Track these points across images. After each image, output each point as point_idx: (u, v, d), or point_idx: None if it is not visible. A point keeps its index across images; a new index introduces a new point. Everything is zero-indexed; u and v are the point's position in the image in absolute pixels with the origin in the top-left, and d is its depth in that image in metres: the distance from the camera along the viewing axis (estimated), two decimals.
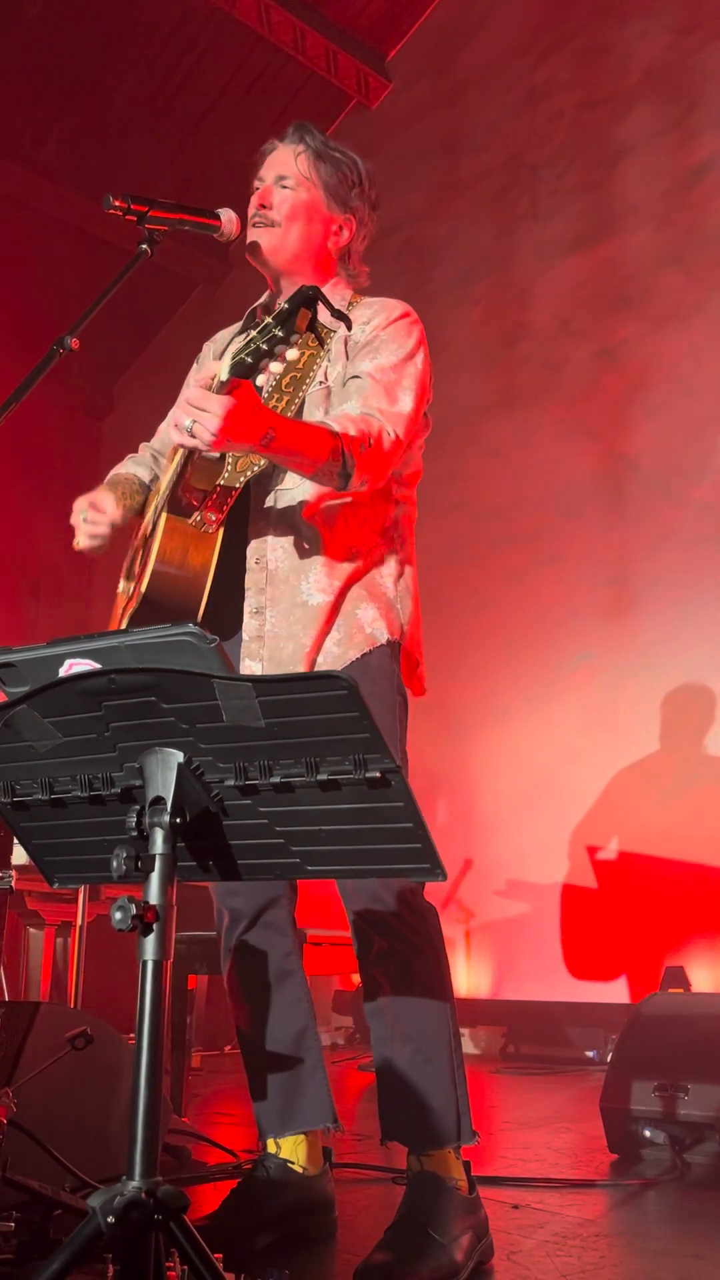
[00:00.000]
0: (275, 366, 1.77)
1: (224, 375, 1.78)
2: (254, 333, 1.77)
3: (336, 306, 2.19)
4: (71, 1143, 2.10)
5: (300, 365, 2.16)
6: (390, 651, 2.12)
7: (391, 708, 2.10)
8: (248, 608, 2.09)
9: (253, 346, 1.77)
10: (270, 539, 2.10)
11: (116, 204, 2.06)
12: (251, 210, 2.22)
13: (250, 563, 2.10)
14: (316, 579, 2.06)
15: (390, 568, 2.16)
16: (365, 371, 2.09)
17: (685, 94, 6.09)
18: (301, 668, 2.04)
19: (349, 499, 2.10)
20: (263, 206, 2.20)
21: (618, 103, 6.40)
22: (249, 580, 2.10)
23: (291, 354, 1.75)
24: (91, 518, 2.22)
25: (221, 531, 2.03)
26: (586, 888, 5.70)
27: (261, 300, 2.33)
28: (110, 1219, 1.16)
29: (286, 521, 2.10)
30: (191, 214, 2.14)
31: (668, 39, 6.21)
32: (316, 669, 2.03)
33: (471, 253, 6.94)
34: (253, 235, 2.20)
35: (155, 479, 2.40)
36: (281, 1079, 2.13)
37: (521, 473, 6.40)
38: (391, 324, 2.15)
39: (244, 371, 1.77)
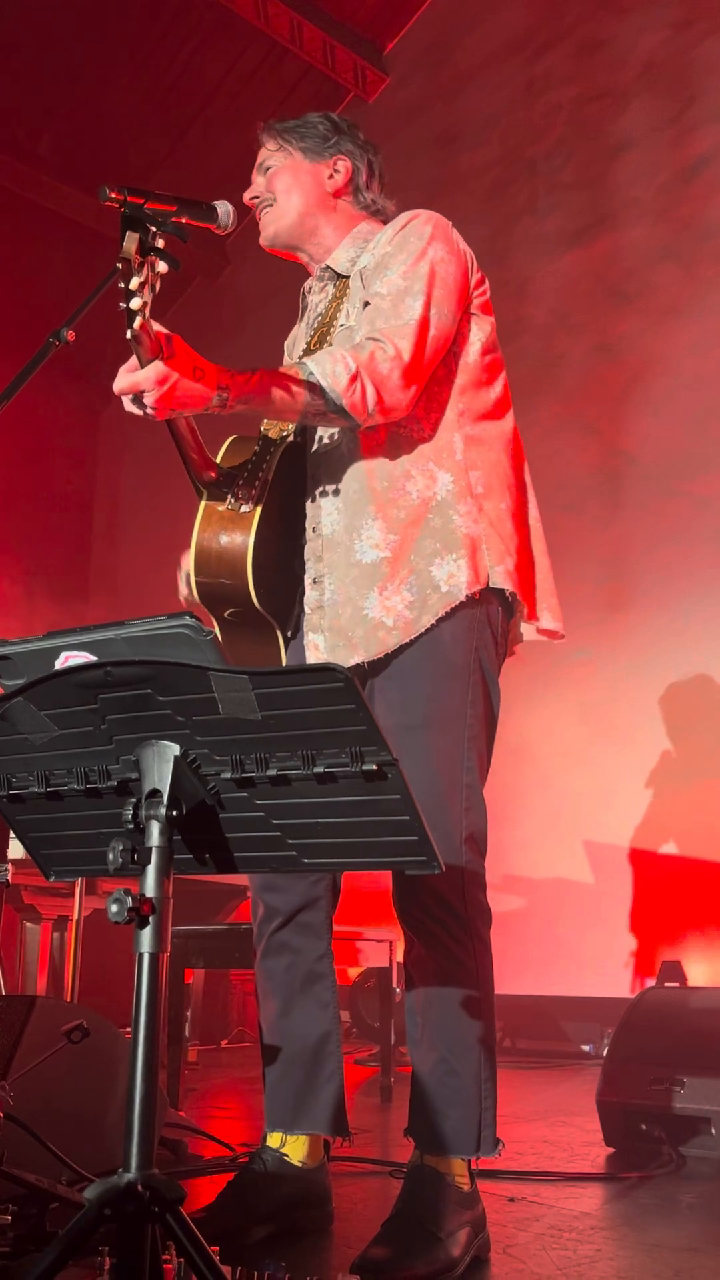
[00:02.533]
0: (135, 302, 1.61)
1: (128, 334, 1.68)
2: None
3: (350, 257, 2.14)
4: (68, 1136, 2.09)
5: (328, 317, 2.14)
6: (474, 610, 1.97)
7: (466, 689, 1.97)
8: (308, 578, 2.03)
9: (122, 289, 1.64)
10: (323, 503, 2.03)
11: (113, 195, 2.04)
12: (250, 207, 2.22)
13: (308, 532, 2.04)
14: (369, 534, 1.96)
15: (467, 504, 1.98)
16: (375, 293, 2.02)
17: (684, 88, 6.08)
18: (361, 631, 1.94)
19: (400, 433, 1.99)
20: (255, 197, 2.22)
21: (616, 97, 6.39)
22: (308, 550, 2.04)
23: (133, 282, 1.60)
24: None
25: (259, 510, 1.96)
26: (584, 882, 5.70)
27: (307, 283, 2.32)
28: (106, 1211, 1.16)
29: (335, 477, 2.02)
30: (188, 206, 2.13)
31: (666, 33, 6.20)
32: (389, 633, 1.94)
33: (469, 247, 6.92)
34: (261, 226, 2.20)
35: None
36: (298, 1078, 2.10)
37: None
38: (399, 231, 2.09)
39: (130, 319, 1.65)
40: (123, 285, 1.60)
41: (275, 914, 2.14)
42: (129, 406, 1.76)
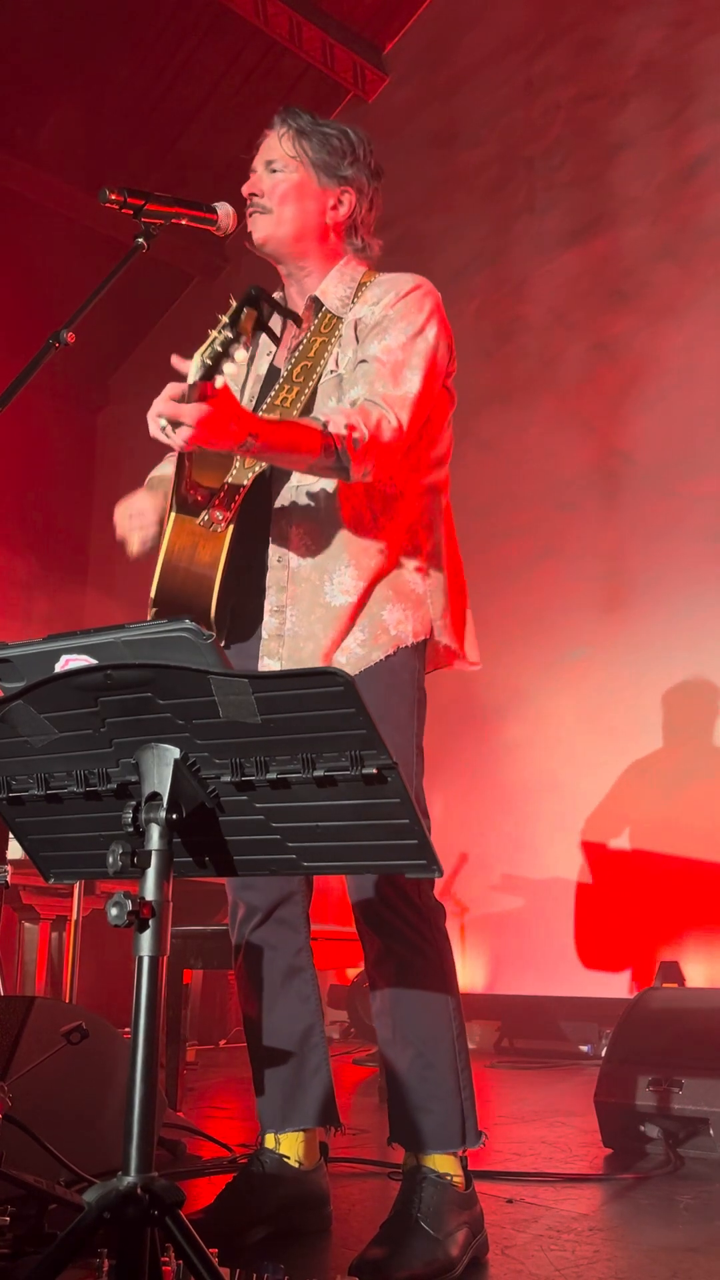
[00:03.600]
0: (229, 368, 1.73)
1: (192, 378, 1.75)
2: (213, 333, 1.75)
3: (342, 296, 2.18)
4: (66, 1137, 2.09)
5: (311, 354, 2.14)
6: (416, 651, 2.10)
7: (411, 704, 2.07)
8: (268, 605, 2.06)
9: (210, 351, 1.75)
10: (292, 536, 2.06)
11: (113, 197, 2.05)
12: (246, 199, 2.21)
13: (272, 560, 2.07)
14: (340, 581, 2.03)
15: (417, 562, 2.11)
16: (373, 355, 2.04)
17: (682, 87, 6.08)
18: (319, 666, 2.01)
19: (374, 489, 2.06)
20: (253, 194, 2.18)
21: (614, 96, 6.39)
22: (270, 578, 2.07)
23: (240, 355, 1.72)
24: (137, 524, 2.19)
25: (231, 529, 2.00)
26: (582, 882, 5.71)
27: (279, 295, 2.32)
28: (105, 1213, 1.16)
29: (308, 518, 2.07)
30: (188, 207, 2.13)
31: (665, 32, 6.20)
32: (343, 669, 2.01)
33: (467, 246, 6.93)
34: (250, 225, 2.19)
35: None
36: (285, 1075, 2.12)
37: (516, 467, 6.40)
38: (401, 299, 2.10)
39: (206, 375, 1.74)
40: (219, 349, 1.71)
41: (254, 911, 2.16)
42: (155, 430, 1.79)
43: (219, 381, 1.72)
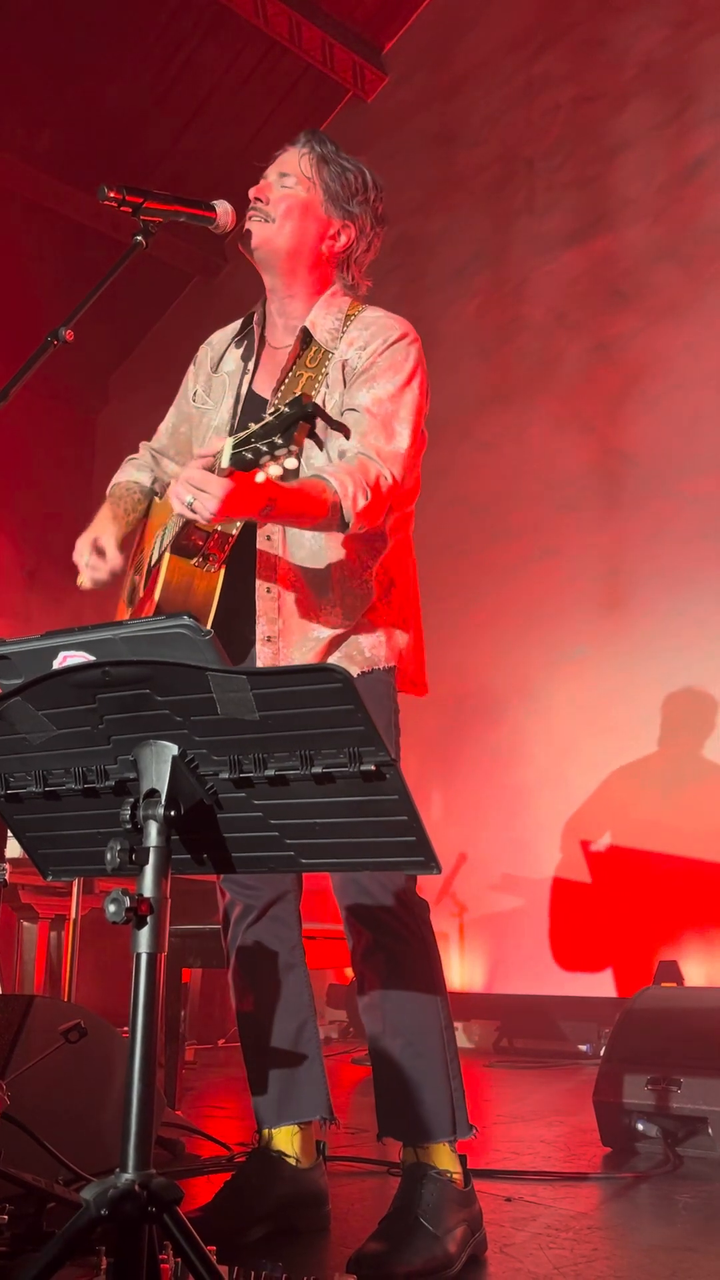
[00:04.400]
0: (274, 470, 1.74)
1: (224, 463, 1.77)
2: (255, 426, 1.75)
3: (331, 329, 2.18)
4: (65, 1136, 2.10)
5: (298, 389, 2.14)
6: (387, 672, 2.16)
7: (388, 715, 2.13)
8: (260, 633, 2.10)
9: (253, 444, 1.75)
10: (279, 570, 2.10)
11: (111, 194, 2.05)
12: (250, 200, 2.20)
13: (261, 591, 2.10)
14: (329, 617, 2.09)
15: (391, 596, 2.19)
16: (362, 406, 2.07)
17: (682, 88, 6.08)
18: None
19: (362, 534, 2.10)
20: (259, 199, 2.18)
21: (614, 97, 6.39)
22: (261, 607, 2.10)
23: (290, 463, 1.74)
24: (93, 563, 2.21)
25: (224, 570, 2.05)
26: (580, 882, 5.71)
27: (255, 311, 2.31)
28: (104, 1211, 1.16)
29: (296, 552, 2.11)
30: (187, 206, 2.13)
31: (665, 33, 6.20)
32: None
33: (467, 246, 6.93)
34: (247, 225, 2.18)
35: (156, 481, 2.39)
36: (279, 1071, 2.14)
37: (516, 467, 6.40)
38: (389, 348, 2.12)
39: (244, 466, 1.76)
40: (264, 448, 1.72)
41: (249, 910, 2.18)
42: (178, 507, 1.81)
43: (260, 477, 1.74)
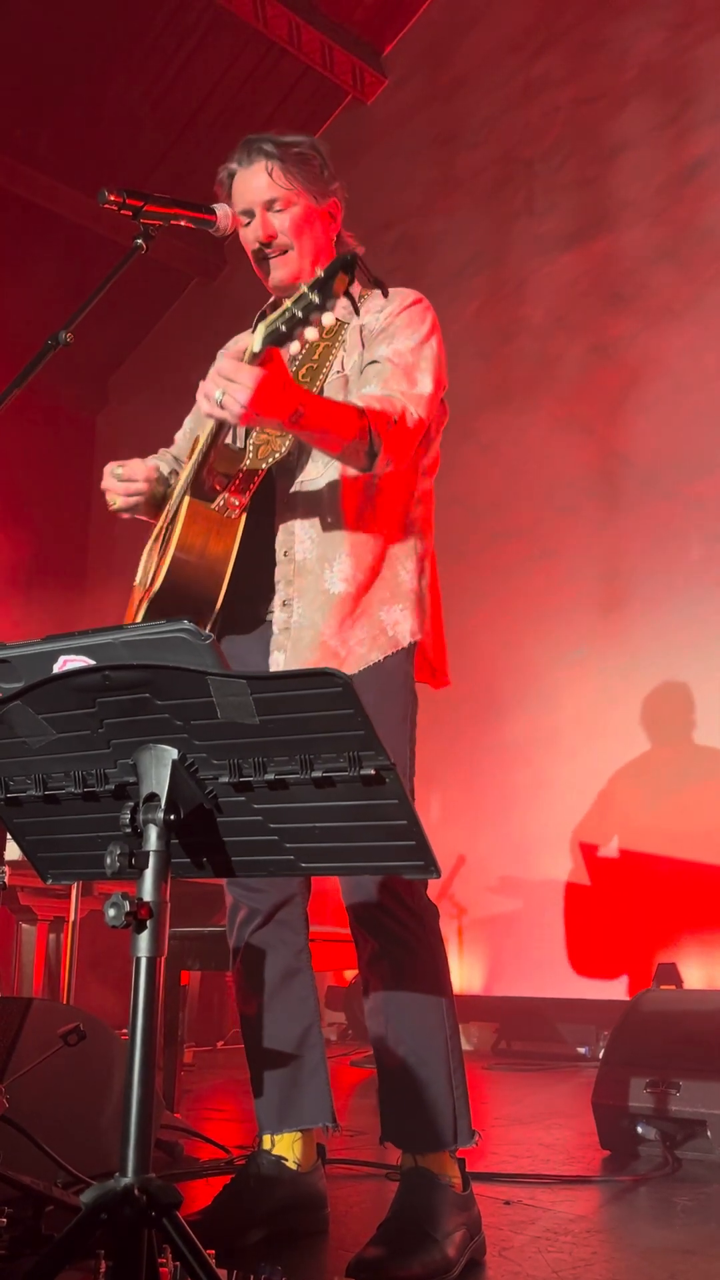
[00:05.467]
0: (310, 333, 1.76)
1: (256, 346, 1.77)
2: (288, 302, 1.77)
3: (345, 303, 2.18)
4: (64, 1138, 2.09)
5: (316, 356, 2.16)
6: (408, 654, 2.14)
7: (404, 707, 2.11)
8: (277, 600, 2.10)
9: (288, 314, 1.76)
10: (297, 530, 2.10)
11: (112, 198, 2.06)
12: (253, 246, 2.18)
13: (279, 555, 2.11)
14: (340, 568, 2.06)
15: (412, 564, 2.16)
16: (383, 356, 2.09)
17: (681, 89, 6.08)
18: (317, 655, 2.03)
19: (374, 487, 2.10)
20: (269, 239, 2.16)
21: (614, 98, 6.39)
22: (279, 573, 2.10)
23: (327, 318, 1.74)
24: (127, 475, 2.20)
25: (244, 518, 2.02)
26: (580, 884, 5.71)
27: (270, 303, 2.32)
28: (103, 1215, 1.16)
29: (312, 511, 2.10)
30: (187, 209, 2.13)
31: (664, 34, 6.21)
32: (342, 664, 2.03)
33: (467, 248, 6.93)
34: (273, 267, 2.18)
35: (174, 474, 2.39)
36: (282, 1076, 2.12)
37: (515, 468, 6.40)
38: (405, 309, 2.16)
39: (278, 339, 1.76)
40: (299, 314, 1.73)
41: (255, 914, 2.16)
42: (207, 406, 1.80)
43: (292, 347, 1.73)
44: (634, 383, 5.98)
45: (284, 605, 2.09)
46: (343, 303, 1.80)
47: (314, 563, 2.08)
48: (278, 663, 2.08)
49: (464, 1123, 1.98)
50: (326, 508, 2.09)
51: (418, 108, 7.45)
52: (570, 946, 5.67)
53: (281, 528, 2.11)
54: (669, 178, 6.05)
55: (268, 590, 2.11)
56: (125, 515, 2.26)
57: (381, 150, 7.35)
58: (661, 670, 5.56)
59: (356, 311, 2.01)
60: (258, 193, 2.17)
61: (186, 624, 1.23)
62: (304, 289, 1.76)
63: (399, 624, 2.10)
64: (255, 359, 1.79)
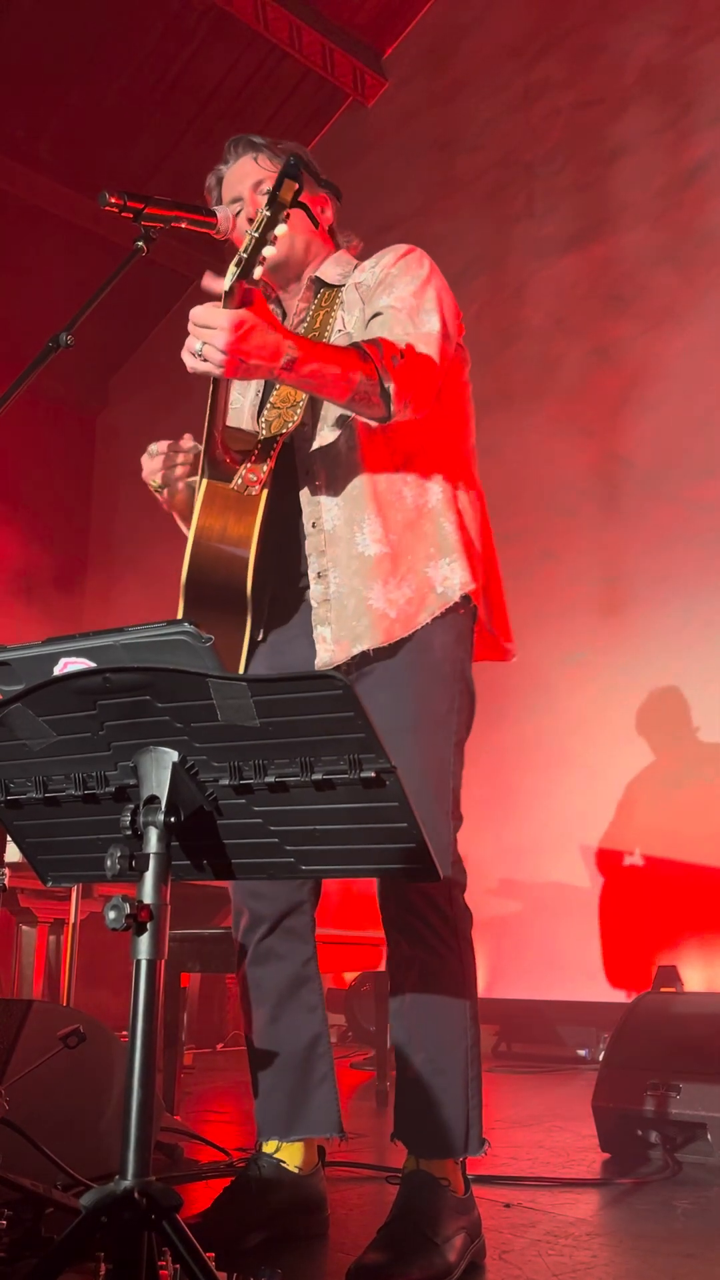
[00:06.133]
0: (269, 250, 1.70)
1: (227, 285, 1.71)
2: (249, 229, 1.73)
3: (341, 272, 2.17)
4: (64, 1141, 2.09)
5: (317, 325, 2.14)
6: (466, 616, 2.06)
7: (453, 697, 2.05)
8: (311, 573, 2.04)
9: (249, 241, 1.72)
10: (323, 499, 2.04)
11: (113, 200, 2.06)
12: (245, 228, 2.19)
13: (307, 528, 2.05)
14: (371, 529, 2.00)
15: (452, 515, 2.07)
16: (385, 306, 2.04)
17: (681, 93, 6.09)
18: (366, 621, 1.97)
19: (397, 442, 2.04)
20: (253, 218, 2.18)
21: (613, 101, 6.40)
22: (309, 546, 2.04)
23: (280, 229, 1.70)
24: (161, 449, 2.11)
25: (265, 494, 1.95)
26: (580, 887, 5.70)
27: (271, 297, 2.32)
28: (102, 1217, 1.16)
29: (333, 475, 2.04)
30: (188, 210, 2.13)
31: (664, 38, 6.21)
32: (394, 624, 1.98)
33: (467, 251, 6.93)
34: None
35: None
36: (290, 1085, 2.11)
37: (515, 470, 6.40)
38: (401, 258, 2.12)
39: (245, 269, 1.71)
40: (257, 234, 1.69)
41: (261, 921, 2.13)
42: (192, 362, 1.74)
43: (257, 273, 1.67)
44: (634, 385, 5.98)
45: (319, 577, 2.03)
46: (298, 214, 1.77)
47: (343, 527, 2.02)
48: (324, 637, 2.02)
49: (475, 1131, 1.97)
50: (347, 468, 2.04)
51: (418, 110, 7.45)
52: (570, 949, 5.67)
53: (306, 501, 2.06)
54: (669, 181, 6.05)
55: (305, 567, 2.05)
56: (165, 502, 2.14)
57: (382, 152, 7.35)
58: (662, 673, 5.55)
59: (313, 219, 1.94)
60: (245, 177, 2.21)
61: (187, 626, 1.23)
62: (261, 211, 1.72)
63: (448, 579, 2.02)
64: (229, 300, 1.72)
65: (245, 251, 1.72)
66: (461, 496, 2.12)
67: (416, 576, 2.01)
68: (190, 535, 1.95)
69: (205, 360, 1.72)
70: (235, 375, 1.76)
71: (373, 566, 1.99)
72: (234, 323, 1.69)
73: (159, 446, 2.14)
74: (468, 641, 2.10)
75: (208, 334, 1.70)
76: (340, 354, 1.84)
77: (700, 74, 6.02)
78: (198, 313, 1.71)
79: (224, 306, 1.73)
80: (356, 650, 2.00)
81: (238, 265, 1.72)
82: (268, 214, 1.71)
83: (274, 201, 1.71)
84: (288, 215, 1.73)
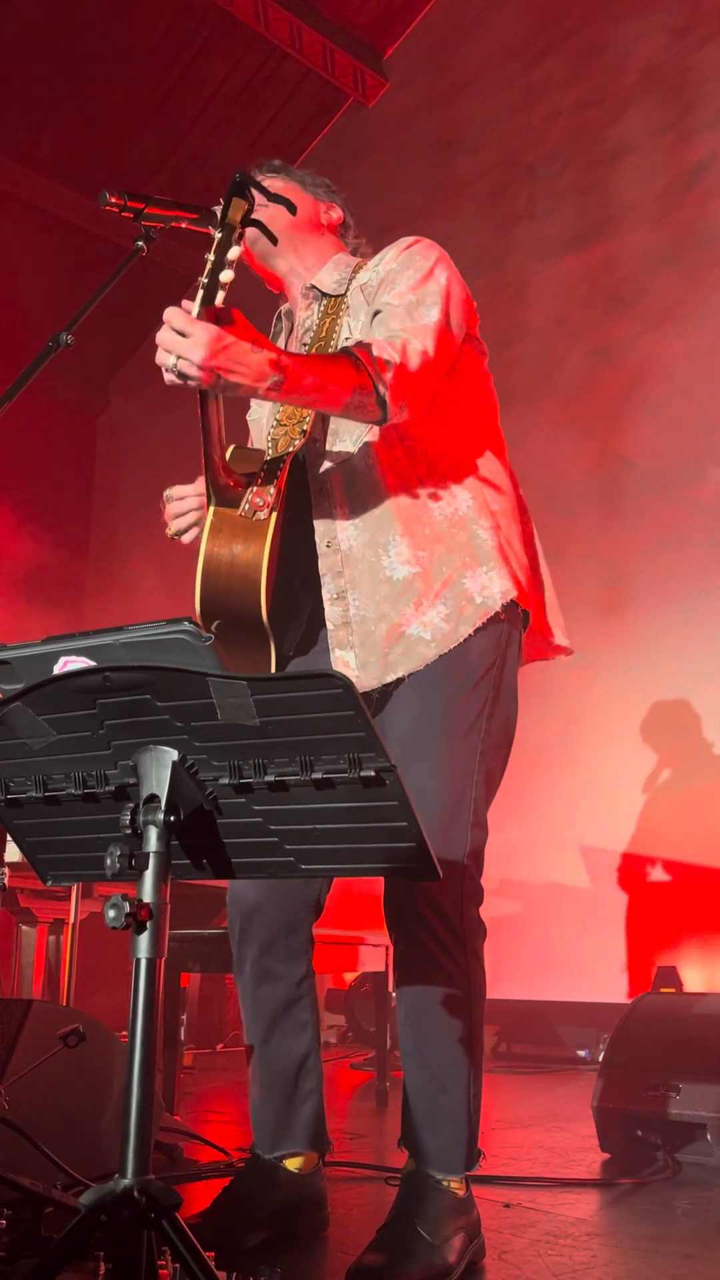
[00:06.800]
0: (225, 275, 1.65)
1: (196, 310, 1.66)
2: (209, 256, 1.69)
3: (339, 278, 2.16)
4: (63, 1140, 2.09)
5: (324, 333, 2.13)
6: (509, 624, 2.00)
7: (481, 705, 1.98)
8: (326, 595, 1.98)
9: (208, 267, 1.68)
10: (337, 516, 1.99)
11: (113, 200, 2.05)
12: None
13: (321, 547, 1.99)
14: (397, 551, 1.94)
15: (487, 520, 2.01)
16: (385, 303, 2.02)
17: (682, 94, 6.09)
18: (401, 649, 1.93)
19: (414, 449, 2.00)
20: None
21: (614, 102, 6.40)
22: (323, 566, 1.99)
23: (233, 252, 1.66)
24: (176, 493, 2.10)
25: (275, 517, 1.89)
26: (580, 887, 5.70)
27: (283, 308, 2.32)
28: (102, 1216, 1.16)
29: (352, 493, 1.99)
30: (188, 210, 2.13)
31: (665, 39, 6.21)
32: (428, 647, 1.93)
33: (467, 251, 6.92)
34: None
35: None
36: (278, 1104, 2.11)
37: (516, 471, 6.39)
38: (403, 252, 2.09)
39: (205, 297, 1.66)
40: (212, 257, 1.65)
41: (259, 939, 2.11)
42: (169, 377, 1.69)
43: (220, 298, 1.63)
44: (635, 386, 5.98)
45: (337, 598, 1.97)
46: (252, 232, 1.75)
47: (362, 548, 1.96)
48: (345, 663, 1.96)
49: (474, 1147, 1.96)
50: (366, 485, 1.99)
51: (419, 111, 7.46)
52: (570, 949, 5.67)
53: (319, 519, 2.00)
54: (670, 182, 6.05)
55: (317, 581, 2.00)
56: (186, 540, 2.11)
57: (382, 153, 7.36)
58: (663, 674, 5.55)
59: (271, 239, 1.89)
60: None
61: (186, 625, 1.23)
62: (215, 232, 1.69)
63: (486, 588, 1.96)
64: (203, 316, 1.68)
65: (204, 277, 1.68)
66: (493, 497, 2.06)
67: (453, 590, 1.95)
68: (199, 565, 1.90)
69: (183, 376, 1.68)
70: (210, 387, 1.71)
71: (402, 590, 1.94)
72: (209, 338, 1.64)
73: (175, 492, 2.11)
74: (509, 646, 2.03)
75: (179, 344, 1.66)
76: (331, 366, 1.80)
77: (701, 75, 6.02)
78: (171, 318, 1.67)
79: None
80: (390, 679, 1.96)
81: (200, 290, 1.68)
82: (218, 235, 1.67)
83: (224, 223, 1.68)
84: (240, 235, 1.69)
